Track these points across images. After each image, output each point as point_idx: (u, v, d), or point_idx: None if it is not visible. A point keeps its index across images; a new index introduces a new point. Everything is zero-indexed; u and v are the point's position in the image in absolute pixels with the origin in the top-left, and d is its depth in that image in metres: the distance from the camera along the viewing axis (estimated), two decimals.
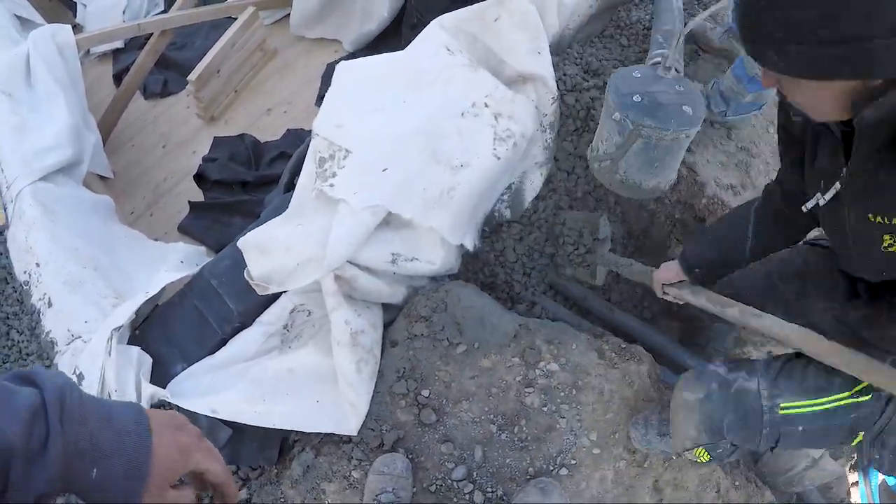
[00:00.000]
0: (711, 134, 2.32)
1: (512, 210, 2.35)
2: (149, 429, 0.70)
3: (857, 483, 2.36)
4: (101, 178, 2.91)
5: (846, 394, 1.26)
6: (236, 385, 1.88)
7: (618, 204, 2.35)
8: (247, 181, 3.24)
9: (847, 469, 2.36)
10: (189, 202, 3.10)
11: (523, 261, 2.38)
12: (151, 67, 3.22)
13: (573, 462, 1.81)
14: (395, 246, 1.96)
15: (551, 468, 1.80)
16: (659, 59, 1.96)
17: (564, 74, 2.31)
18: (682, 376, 1.56)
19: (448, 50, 2.07)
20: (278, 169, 3.24)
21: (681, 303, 1.77)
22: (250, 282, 1.90)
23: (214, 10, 3.23)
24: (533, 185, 2.30)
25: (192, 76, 3.06)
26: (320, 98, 3.41)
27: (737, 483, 1.87)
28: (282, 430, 1.86)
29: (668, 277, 1.75)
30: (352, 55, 3.53)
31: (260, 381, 1.89)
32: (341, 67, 2.11)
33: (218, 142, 3.30)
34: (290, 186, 2.32)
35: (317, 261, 1.86)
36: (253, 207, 3.15)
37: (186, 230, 3.07)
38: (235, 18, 3.20)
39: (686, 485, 1.84)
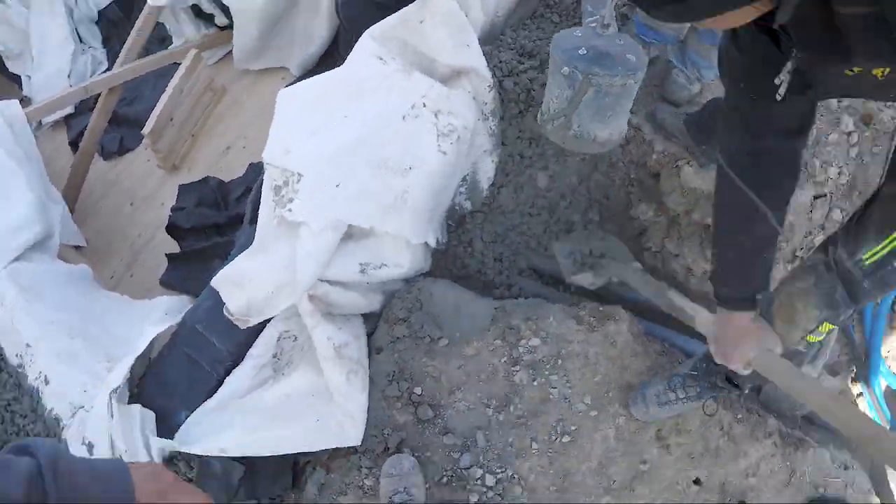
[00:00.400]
0: (652, 92, 2.37)
1: (471, 200, 2.40)
2: (130, 479, 0.84)
3: (861, 394, 2.41)
4: (76, 247, 2.96)
5: None
6: (238, 421, 1.93)
7: (581, 182, 2.40)
8: (219, 223, 3.27)
9: (849, 382, 2.41)
10: (166, 255, 3.15)
11: (492, 247, 2.43)
12: (105, 127, 3.26)
13: (573, 428, 1.87)
14: (362, 256, 2.02)
15: (553, 437, 1.86)
16: (595, 22, 2.02)
17: (500, 61, 2.36)
18: (790, 271, 1.52)
19: (380, 59, 2.12)
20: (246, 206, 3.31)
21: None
22: (230, 317, 1.95)
23: (158, 58, 3.28)
24: (487, 174, 2.36)
25: (147, 129, 3.10)
26: None
27: (739, 416, 1.93)
28: (291, 454, 1.91)
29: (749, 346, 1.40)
30: (300, 79, 3.58)
31: (260, 412, 1.93)
32: (281, 95, 2.15)
33: (183, 189, 3.34)
34: (255, 220, 2.37)
35: (290, 285, 1.91)
36: (229, 248, 3.19)
37: (169, 283, 3.11)
38: (179, 64, 3.24)
39: (688, 428, 1.89)
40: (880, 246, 1.25)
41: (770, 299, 1.44)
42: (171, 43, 3.56)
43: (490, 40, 2.49)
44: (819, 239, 2.21)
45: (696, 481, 1.89)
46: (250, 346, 2.12)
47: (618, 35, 1.99)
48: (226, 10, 3.32)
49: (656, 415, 1.84)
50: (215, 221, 3.27)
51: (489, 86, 2.20)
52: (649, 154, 2.30)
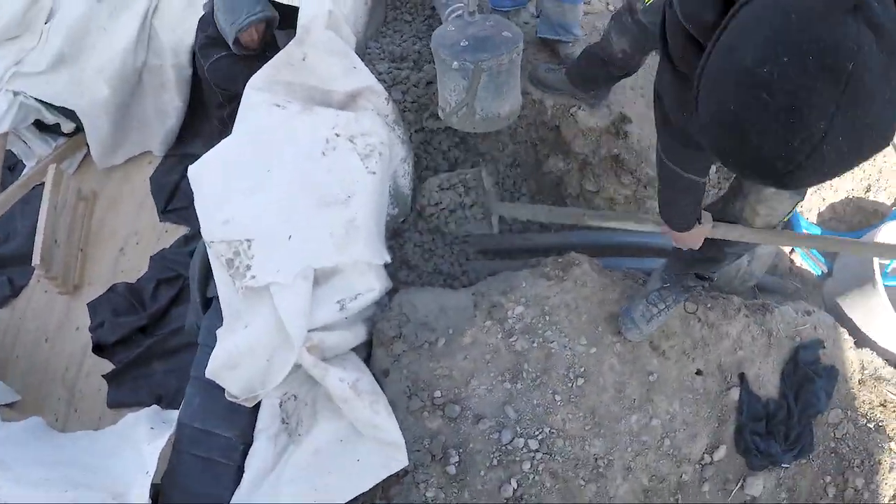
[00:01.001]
0: (527, 55, 2.55)
1: (399, 209, 2.48)
2: None
3: (793, 250, 2.75)
4: (10, 406, 2.74)
5: None
6: (280, 495, 1.91)
7: (486, 155, 2.55)
8: (143, 326, 3.15)
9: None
10: (103, 377, 2.99)
11: (434, 246, 2.52)
12: None
13: (582, 369, 2.02)
14: (336, 294, 2.04)
15: (569, 384, 2.00)
16: (459, 11, 2.15)
17: (380, 73, 2.45)
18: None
19: (278, 106, 2.15)
20: (164, 298, 3.19)
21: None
22: (237, 401, 1.92)
23: (20, 186, 3.09)
24: (406, 180, 2.45)
25: (35, 260, 2.91)
26: (161, 212, 3.35)
27: (709, 305, 2.16)
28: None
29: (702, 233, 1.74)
30: (166, 157, 3.48)
31: (298, 479, 1.93)
32: (192, 172, 2.11)
33: (93, 306, 3.17)
34: (208, 303, 2.32)
35: (282, 347, 1.91)
36: (165, 345, 3.09)
37: (118, 402, 2.96)
38: (42, 184, 3.05)
39: (673, 330, 2.10)
40: None
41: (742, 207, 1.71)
42: (22, 168, 3.33)
43: (362, 56, 2.56)
44: None
45: (698, 372, 2.11)
46: (254, 423, 2.10)
47: (485, 17, 2.14)
48: (69, 115, 3.15)
49: (648, 331, 2.03)
50: (139, 325, 3.14)
51: (386, 98, 2.29)
52: (543, 112, 2.49)
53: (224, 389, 1.96)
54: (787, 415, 2.08)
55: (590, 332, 2.09)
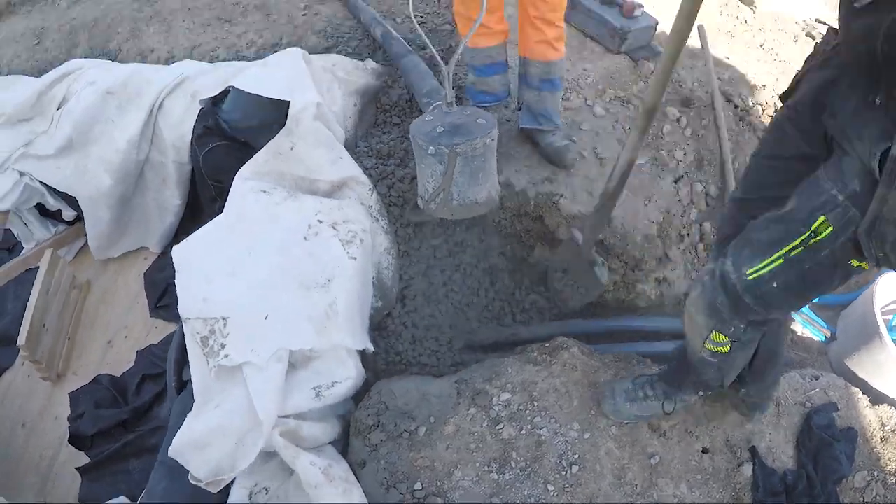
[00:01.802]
0: (509, 149, 2.61)
1: (384, 300, 2.45)
2: None
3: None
4: None
5: (798, 240, 1.23)
6: None
7: (480, 242, 2.54)
8: (124, 420, 3.05)
9: None
10: (77, 469, 2.86)
11: (421, 339, 2.47)
12: None
13: (576, 456, 1.90)
14: (313, 381, 1.98)
15: (564, 473, 1.88)
16: (439, 103, 2.20)
17: (367, 168, 2.50)
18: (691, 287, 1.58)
19: (264, 192, 2.18)
20: (148, 394, 3.10)
21: None
22: (201, 484, 1.81)
23: (14, 266, 3.10)
24: (390, 272, 2.44)
25: (21, 341, 2.86)
26: (153, 308, 3.33)
27: None
28: None
29: None
30: (162, 254, 3.50)
31: None
32: (176, 252, 2.12)
33: (75, 396, 3.08)
34: (182, 386, 2.25)
35: (253, 430, 1.82)
36: (144, 442, 2.96)
37: (90, 498, 2.82)
38: (37, 267, 3.06)
39: None
40: (764, 263, 1.30)
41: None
42: (20, 250, 3.36)
43: (351, 153, 2.63)
44: (693, 214, 2.50)
45: (704, 450, 1.98)
46: None
47: (463, 108, 2.19)
48: (72, 202, 3.21)
49: (625, 412, 1.94)
50: (120, 419, 3.04)
51: (370, 189, 2.32)
52: (526, 203, 2.51)
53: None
54: (809, 484, 1.93)
55: (582, 416, 1.99)
